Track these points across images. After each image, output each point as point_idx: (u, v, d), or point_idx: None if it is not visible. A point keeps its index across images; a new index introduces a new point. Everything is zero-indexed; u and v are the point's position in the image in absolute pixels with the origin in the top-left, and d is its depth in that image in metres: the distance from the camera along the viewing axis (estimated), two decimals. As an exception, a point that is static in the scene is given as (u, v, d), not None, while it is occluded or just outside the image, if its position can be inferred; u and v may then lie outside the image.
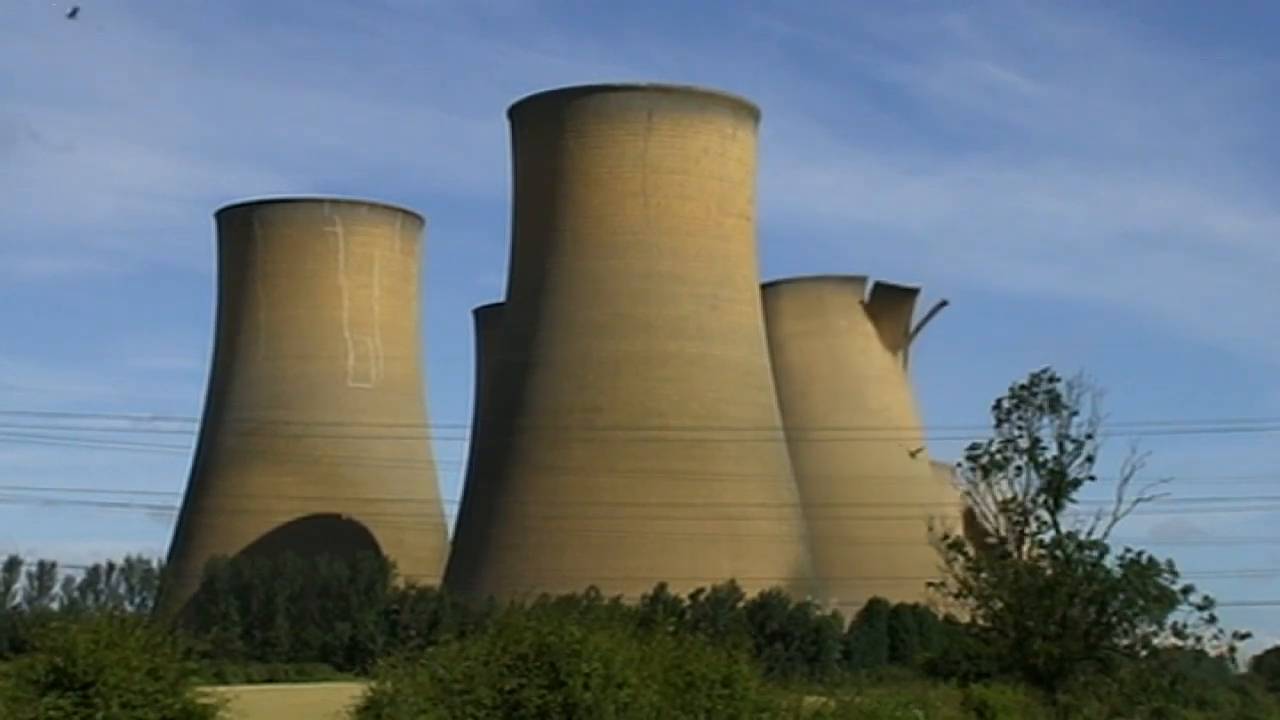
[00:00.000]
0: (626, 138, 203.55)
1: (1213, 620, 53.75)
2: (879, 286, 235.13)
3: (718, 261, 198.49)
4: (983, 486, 54.81)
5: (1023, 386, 55.11)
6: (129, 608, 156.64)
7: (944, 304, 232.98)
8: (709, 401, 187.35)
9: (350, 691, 32.15)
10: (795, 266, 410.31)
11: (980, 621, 56.06)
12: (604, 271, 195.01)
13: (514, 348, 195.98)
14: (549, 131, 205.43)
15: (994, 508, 54.91)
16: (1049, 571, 54.06)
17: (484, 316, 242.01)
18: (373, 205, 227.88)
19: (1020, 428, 54.76)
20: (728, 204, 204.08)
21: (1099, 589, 53.87)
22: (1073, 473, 54.38)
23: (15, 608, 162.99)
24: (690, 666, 32.73)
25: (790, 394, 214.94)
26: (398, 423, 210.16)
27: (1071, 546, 54.00)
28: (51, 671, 28.22)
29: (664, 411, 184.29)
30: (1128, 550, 54.20)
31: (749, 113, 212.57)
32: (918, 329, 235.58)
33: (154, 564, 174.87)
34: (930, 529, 55.23)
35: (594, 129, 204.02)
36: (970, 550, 55.16)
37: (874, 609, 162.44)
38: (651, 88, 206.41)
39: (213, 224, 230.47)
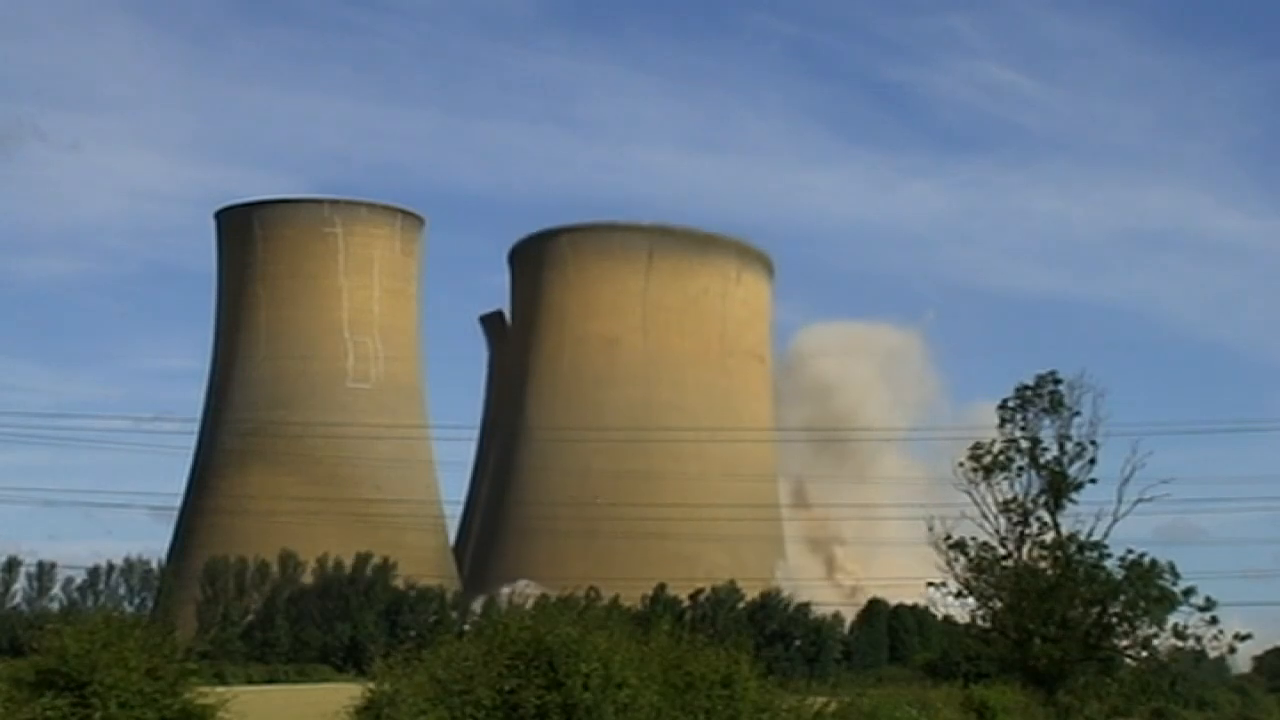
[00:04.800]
0: (628, 275, 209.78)
1: (1214, 622, 53.68)
2: None
3: (718, 396, 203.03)
4: (984, 487, 54.69)
5: (1027, 387, 55.05)
6: (129, 608, 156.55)
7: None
8: (707, 510, 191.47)
9: (350, 692, 32.09)
10: (798, 268, 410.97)
11: (980, 622, 55.95)
12: (603, 400, 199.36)
13: (513, 462, 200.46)
14: (550, 265, 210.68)
15: (995, 508, 54.80)
16: (1049, 573, 53.97)
17: (489, 323, 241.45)
18: (373, 206, 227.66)
19: (1022, 428, 54.68)
20: (731, 342, 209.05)
21: (1100, 590, 53.79)
22: (1074, 474, 54.29)
23: (15, 608, 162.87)
24: (690, 667, 32.66)
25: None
26: (397, 423, 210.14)
27: (1073, 548, 53.91)
28: (46, 672, 28.16)
29: (664, 516, 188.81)
30: (1129, 552, 54.16)
31: (756, 258, 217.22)
32: None
33: (154, 564, 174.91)
34: (930, 529, 55.16)
35: (595, 265, 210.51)
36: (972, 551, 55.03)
37: (874, 609, 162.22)
38: (653, 228, 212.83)
39: (213, 224, 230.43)
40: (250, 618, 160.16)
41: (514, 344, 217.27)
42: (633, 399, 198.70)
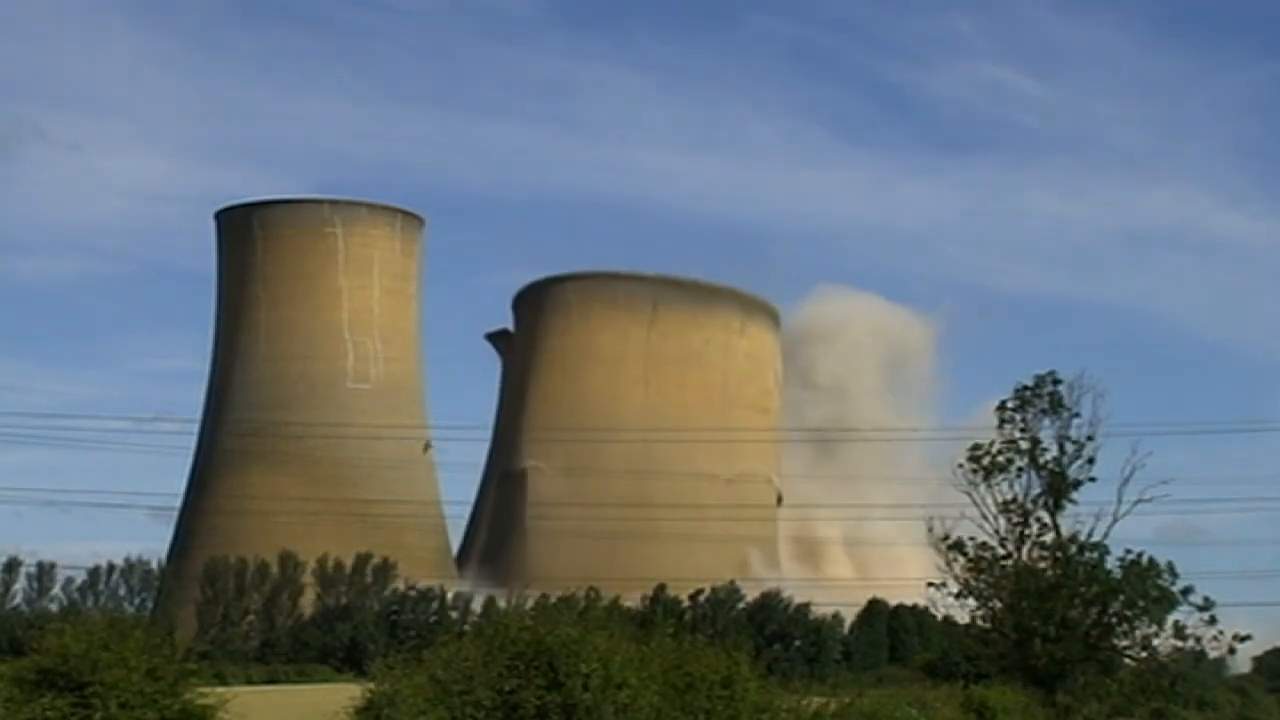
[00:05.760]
0: (631, 326, 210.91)
1: (1213, 621, 53.69)
2: None
3: (717, 447, 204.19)
4: (983, 487, 54.68)
5: (1026, 388, 55.04)
6: (129, 608, 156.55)
7: None
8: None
9: (349, 692, 32.12)
10: (799, 269, 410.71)
11: (980, 623, 55.95)
12: (605, 452, 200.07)
13: (516, 508, 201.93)
14: (555, 312, 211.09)
15: (994, 509, 54.80)
16: (1049, 573, 53.98)
17: (496, 340, 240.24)
18: (372, 206, 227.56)
19: (1021, 429, 54.65)
20: (734, 395, 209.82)
21: (1100, 590, 53.80)
22: (1073, 474, 54.28)
23: (15, 608, 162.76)
24: (690, 667, 32.68)
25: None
26: (397, 423, 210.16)
27: (1073, 549, 53.91)
28: (46, 672, 28.19)
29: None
30: (1128, 552, 54.18)
31: (760, 309, 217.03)
32: None
33: (154, 565, 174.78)
34: (930, 530, 55.16)
35: (599, 314, 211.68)
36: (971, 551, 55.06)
37: (874, 610, 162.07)
38: (658, 279, 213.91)
39: (213, 224, 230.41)
40: (250, 618, 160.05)
41: (516, 384, 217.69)
42: (632, 450, 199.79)
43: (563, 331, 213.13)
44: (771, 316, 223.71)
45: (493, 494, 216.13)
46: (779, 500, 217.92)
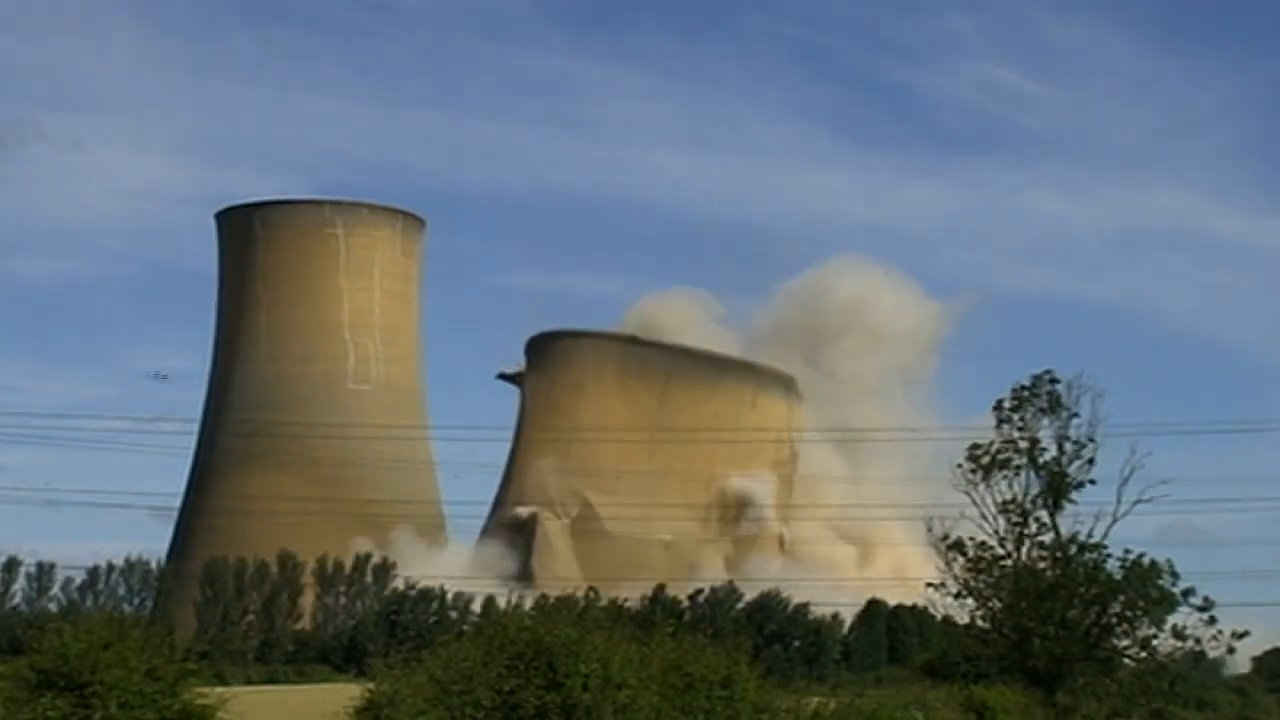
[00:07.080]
0: (643, 395, 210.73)
1: (1212, 621, 53.68)
2: None
3: (730, 511, 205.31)
4: (983, 487, 54.67)
5: (1024, 387, 55.04)
6: (129, 608, 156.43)
7: None
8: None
9: (349, 692, 32.15)
10: (798, 268, 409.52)
11: (979, 623, 55.94)
12: (607, 507, 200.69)
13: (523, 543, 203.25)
14: (570, 368, 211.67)
15: (994, 509, 54.79)
16: (1049, 573, 53.96)
17: (511, 379, 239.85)
18: (373, 207, 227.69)
19: (1020, 428, 54.64)
20: (741, 461, 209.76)
21: (1099, 591, 53.78)
22: (1073, 474, 54.25)
23: (14, 608, 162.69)
24: (689, 667, 32.70)
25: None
26: (398, 424, 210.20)
27: (1073, 549, 53.90)
28: (46, 672, 28.22)
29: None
30: (1128, 552, 54.15)
31: (774, 380, 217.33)
32: None
33: (154, 564, 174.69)
34: (929, 529, 55.15)
35: (613, 378, 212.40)
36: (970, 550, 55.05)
37: (873, 610, 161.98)
38: (673, 348, 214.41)
39: (213, 224, 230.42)
40: (250, 618, 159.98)
41: (525, 432, 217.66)
42: (632, 515, 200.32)
43: (574, 388, 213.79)
44: (786, 386, 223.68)
45: (499, 531, 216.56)
46: (782, 545, 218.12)
